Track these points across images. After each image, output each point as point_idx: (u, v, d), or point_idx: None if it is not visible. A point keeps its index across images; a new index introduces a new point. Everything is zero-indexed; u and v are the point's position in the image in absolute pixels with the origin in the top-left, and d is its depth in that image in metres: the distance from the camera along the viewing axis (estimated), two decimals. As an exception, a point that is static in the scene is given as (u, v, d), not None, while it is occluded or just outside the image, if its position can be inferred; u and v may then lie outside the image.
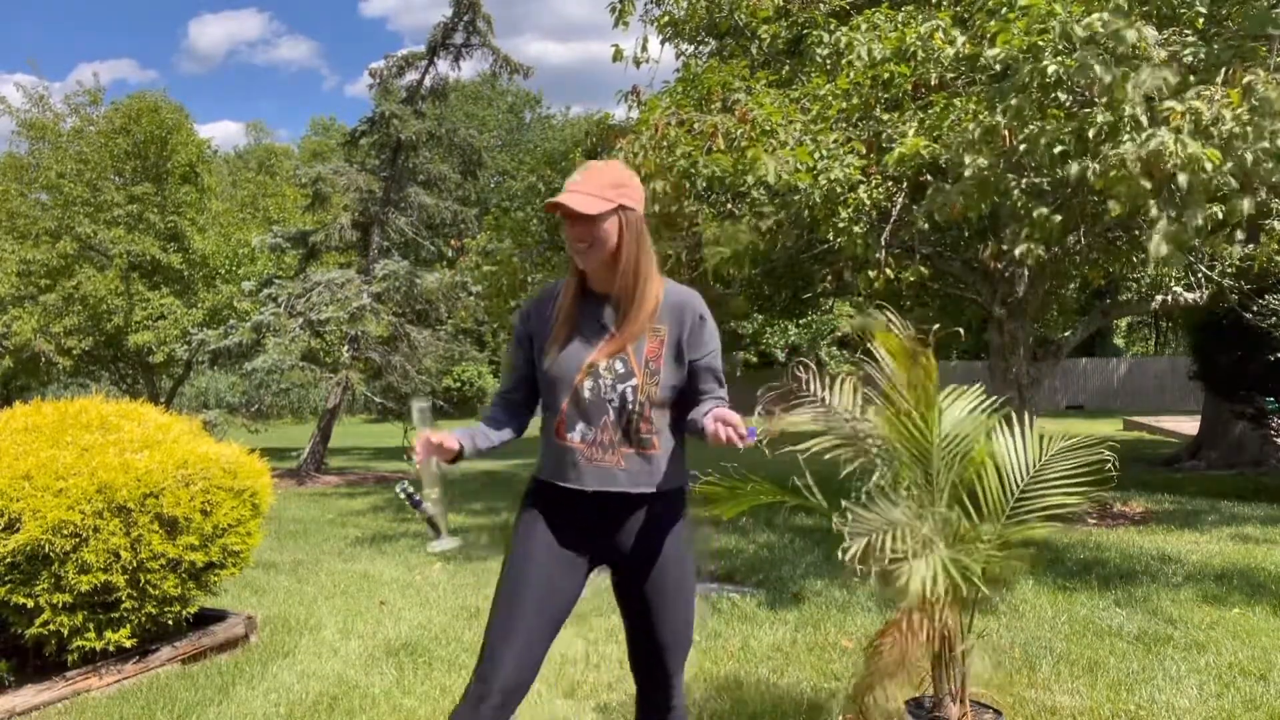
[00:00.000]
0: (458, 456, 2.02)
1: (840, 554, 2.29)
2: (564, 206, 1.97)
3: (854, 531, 2.30)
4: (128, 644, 3.48)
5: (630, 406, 2.00)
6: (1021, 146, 4.98)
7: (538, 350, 2.09)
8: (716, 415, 1.88)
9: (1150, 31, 4.62)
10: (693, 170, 5.86)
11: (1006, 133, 4.98)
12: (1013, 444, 2.67)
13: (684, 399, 2.06)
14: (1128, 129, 4.59)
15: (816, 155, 5.59)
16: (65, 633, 3.32)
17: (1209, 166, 4.31)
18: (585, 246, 1.99)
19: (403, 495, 2.02)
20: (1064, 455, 2.65)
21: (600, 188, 1.98)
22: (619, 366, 2.01)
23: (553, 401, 2.06)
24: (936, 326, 2.62)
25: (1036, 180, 5.39)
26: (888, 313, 2.60)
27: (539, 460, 2.13)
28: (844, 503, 2.41)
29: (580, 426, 2.02)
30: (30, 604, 3.25)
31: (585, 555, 2.10)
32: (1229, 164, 4.51)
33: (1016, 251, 5.30)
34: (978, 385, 2.76)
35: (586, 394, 2.01)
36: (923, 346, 2.51)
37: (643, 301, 2.01)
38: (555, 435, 2.05)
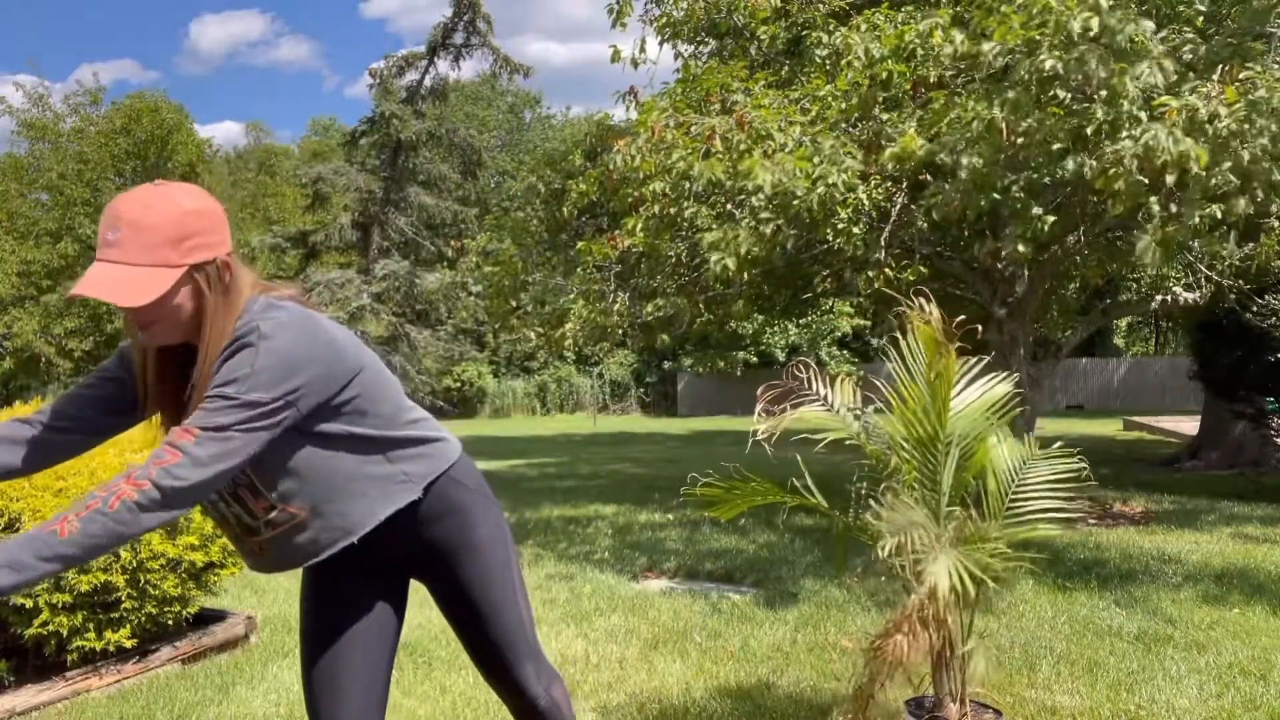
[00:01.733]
0: None
1: (879, 551, 2.29)
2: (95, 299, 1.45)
3: (889, 529, 2.31)
4: (128, 644, 3.48)
5: (231, 498, 1.63)
6: (1019, 140, 4.98)
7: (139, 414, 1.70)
8: None
9: (1148, 25, 4.61)
10: (690, 174, 5.86)
11: (1004, 126, 4.97)
12: (1003, 448, 2.67)
13: (326, 439, 1.61)
14: (1126, 125, 4.59)
15: (815, 160, 5.59)
16: (65, 633, 3.32)
17: (1194, 167, 4.31)
18: (150, 327, 1.50)
19: None
20: (1045, 461, 2.66)
21: (150, 248, 1.44)
22: None
23: None
24: (962, 318, 2.60)
25: (1035, 177, 5.38)
26: (923, 301, 2.56)
27: None
28: (866, 491, 2.41)
29: (215, 516, 1.70)
30: (29, 604, 3.25)
31: (366, 593, 1.83)
32: (1228, 163, 4.51)
33: (1004, 251, 5.30)
34: (992, 375, 2.73)
35: None
36: (949, 340, 2.48)
37: (208, 368, 1.52)
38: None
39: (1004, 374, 2.71)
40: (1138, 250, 4.75)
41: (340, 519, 1.66)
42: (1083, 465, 2.58)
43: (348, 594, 1.82)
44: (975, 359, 2.68)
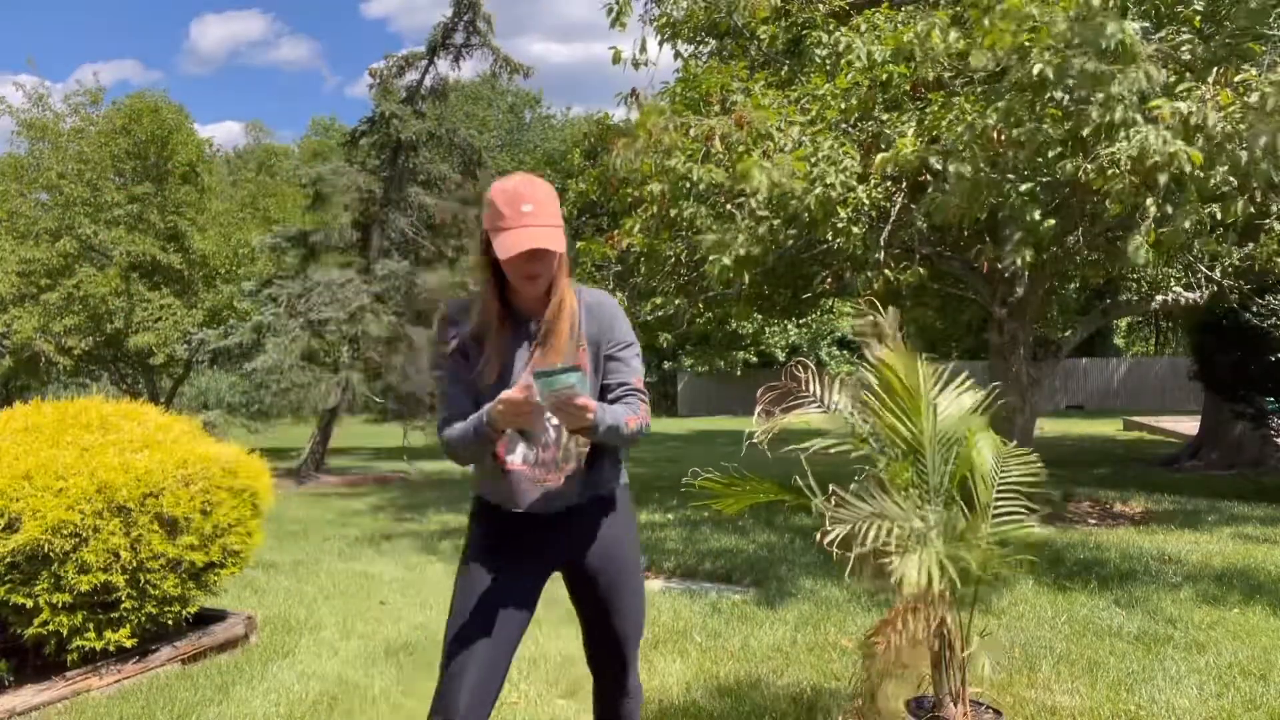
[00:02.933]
0: None
1: (818, 536, 2.30)
2: (544, 249, 1.85)
3: (836, 519, 2.30)
4: (128, 644, 3.48)
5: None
6: (1010, 153, 4.98)
7: (474, 370, 1.98)
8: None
9: (1132, 27, 4.60)
10: (689, 176, 5.85)
11: (995, 134, 4.97)
12: (983, 449, 2.67)
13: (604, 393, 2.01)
14: (1120, 127, 4.59)
15: (813, 160, 5.58)
16: (65, 633, 3.32)
17: (1187, 168, 4.31)
18: (538, 278, 1.91)
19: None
20: (1017, 462, 2.66)
21: (555, 215, 1.89)
22: None
23: None
24: (946, 326, 2.64)
25: (1032, 180, 5.38)
26: (878, 314, 2.61)
27: (477, 480, 2.09)
28: (831, 487, 2.41)
29: (521, 449, 1.99)
30: (30, 604, 3.24)
31: (536, 570, 2.07)
32: (1225, 165, 4.50)
33: (1006, 261, 5.30)
34: (970, 380, 2.76)
35: None
36: (911, 350, 2.55)
37: (566, 316, 1.96)
38: (494, 459, 1.99)
39: (971, 383, 2.75)
40: (1129, 250, 4.75)
41: (602, 473, 2.04)
42: (1040, 465, 2.63)
43: (512, 586, 2.01)
44: (944, 365, 2.73)
